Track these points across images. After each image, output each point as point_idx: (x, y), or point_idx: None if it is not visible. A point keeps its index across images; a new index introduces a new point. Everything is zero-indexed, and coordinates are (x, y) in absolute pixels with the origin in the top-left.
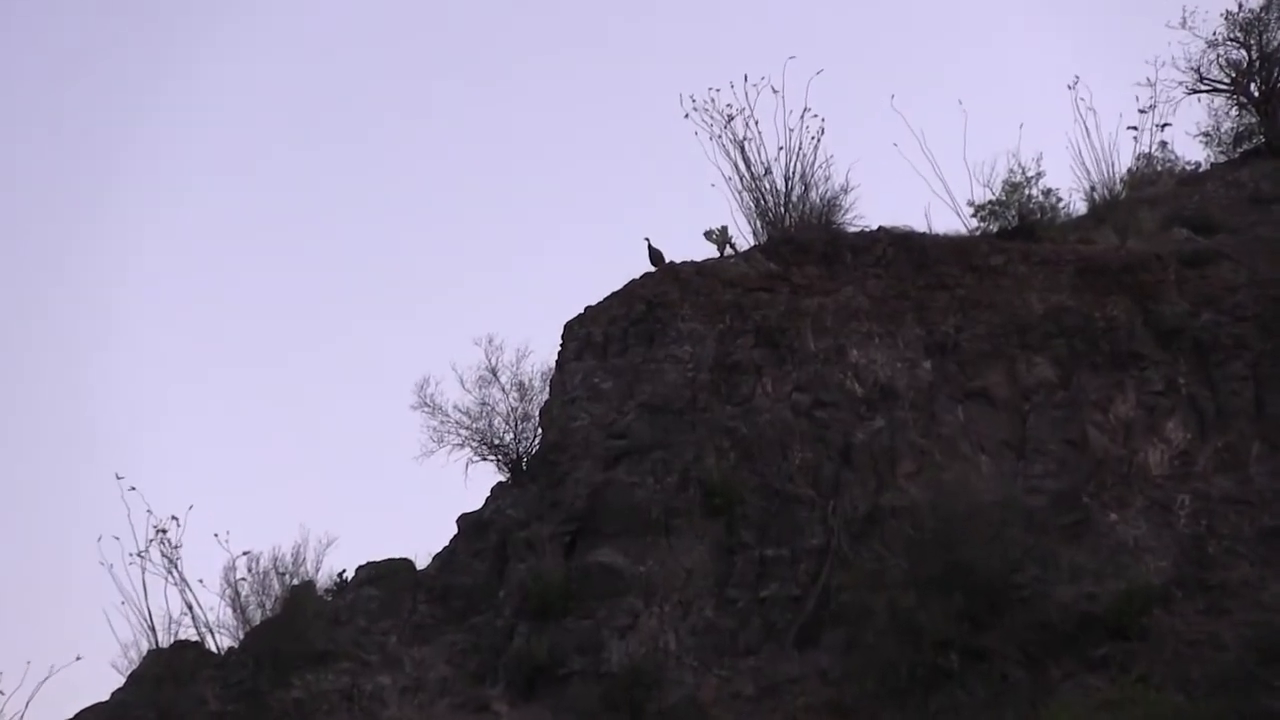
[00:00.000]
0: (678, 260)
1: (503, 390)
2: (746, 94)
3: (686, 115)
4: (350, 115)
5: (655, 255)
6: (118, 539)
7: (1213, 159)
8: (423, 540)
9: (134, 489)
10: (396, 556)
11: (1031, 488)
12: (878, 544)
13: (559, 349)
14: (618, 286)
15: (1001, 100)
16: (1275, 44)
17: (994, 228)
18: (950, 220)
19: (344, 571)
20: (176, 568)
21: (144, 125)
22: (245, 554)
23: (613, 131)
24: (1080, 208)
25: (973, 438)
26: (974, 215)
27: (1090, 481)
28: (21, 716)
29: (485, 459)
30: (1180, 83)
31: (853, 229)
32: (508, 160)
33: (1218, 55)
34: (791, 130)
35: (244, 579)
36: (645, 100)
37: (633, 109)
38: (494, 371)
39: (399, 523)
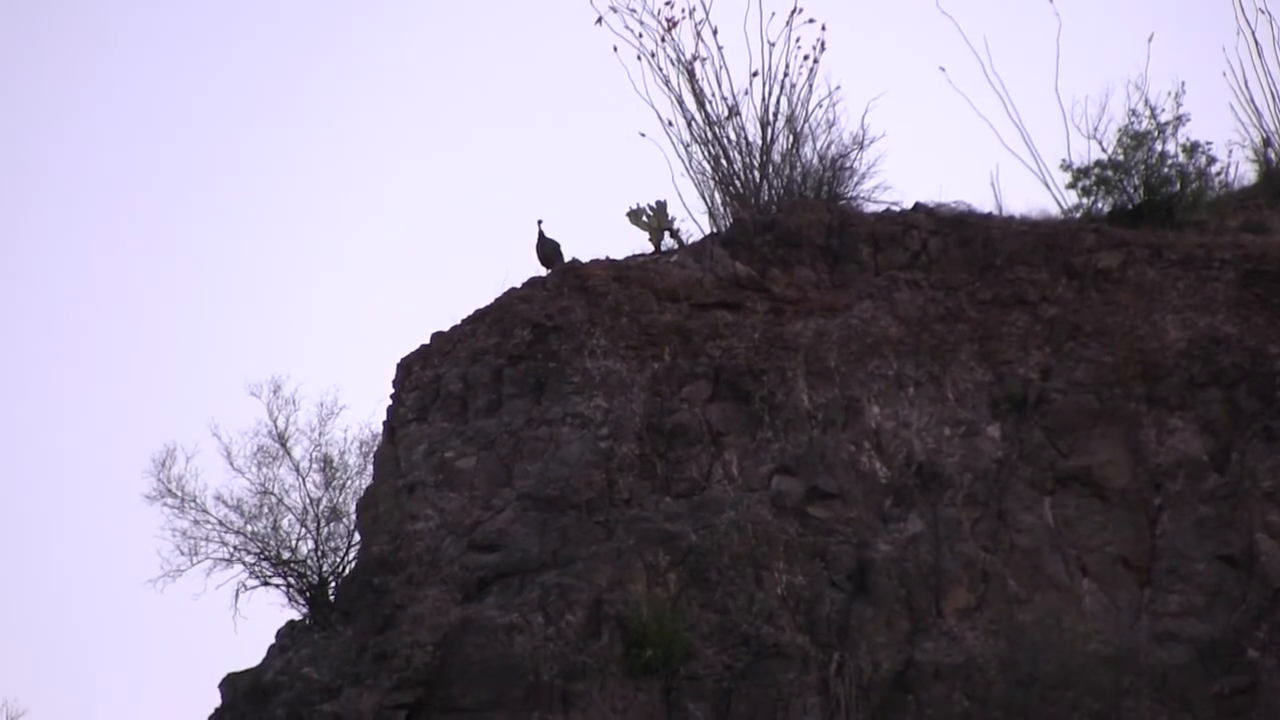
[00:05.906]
0: (584, 257)
1: (297, 471)
2: None
3: (600, 20)
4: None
5: (549, 249)
6: None
7: None
8: (167, 715)
9: None
10: None
11: (1165, 633)
12: None
13: (390, 404)
14: (486, 301)
15: None
16: None
17: (1105, 206)
18: (1033, 194)
19: None
20: None
21: None
22: None
23: (480, 49)
24: (1248, 174)
25: (1069, 551)
26: (1072, 185)
27: (1261, 624)
28: None
29: (268, 583)
30: None
31: (873, 207)
32: (307, 95)
33: None
34: (772, 44)
35: None
36: None
37: (513, 11)
38: (282, 440)
39: (126, 687)
